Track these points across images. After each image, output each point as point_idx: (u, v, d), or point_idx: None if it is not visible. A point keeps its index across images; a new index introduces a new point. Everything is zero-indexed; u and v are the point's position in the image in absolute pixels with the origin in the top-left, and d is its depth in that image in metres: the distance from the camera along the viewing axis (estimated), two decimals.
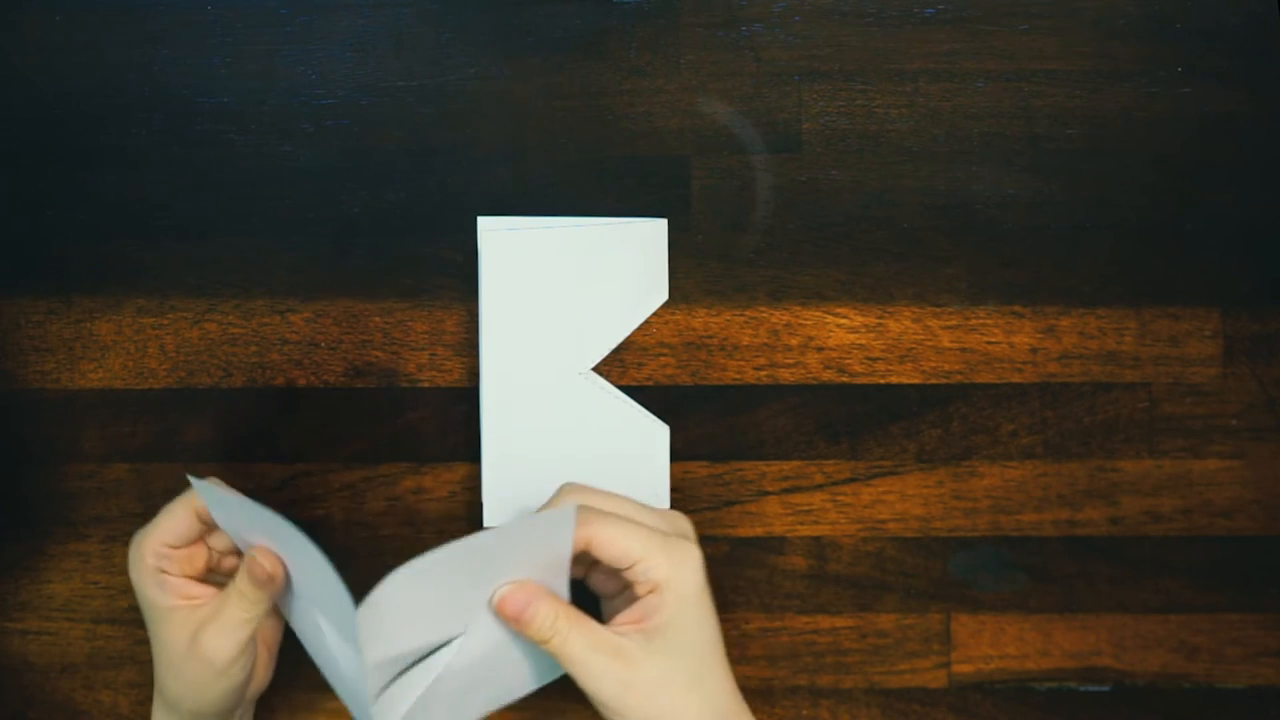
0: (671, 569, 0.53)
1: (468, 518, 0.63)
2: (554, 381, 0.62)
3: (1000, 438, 0.63)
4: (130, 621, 0.63)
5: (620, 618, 0.54)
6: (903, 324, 0.63)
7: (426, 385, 0.63)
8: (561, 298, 0.62)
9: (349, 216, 0.62)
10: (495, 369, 0.61)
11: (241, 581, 0.54)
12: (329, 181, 0.62)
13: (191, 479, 0.54)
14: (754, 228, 0.62)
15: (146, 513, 0.58)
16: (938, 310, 0.63)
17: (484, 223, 0.62)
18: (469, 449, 0.63)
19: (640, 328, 0.63)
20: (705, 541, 0.61)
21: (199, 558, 0.57)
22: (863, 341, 0.63)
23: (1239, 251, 0.63)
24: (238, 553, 0.58)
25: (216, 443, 0.63)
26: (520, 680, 0.57)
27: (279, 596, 0.55)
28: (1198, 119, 0.62)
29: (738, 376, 0.63)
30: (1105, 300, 0.63)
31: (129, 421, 0.63)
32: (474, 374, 0.63)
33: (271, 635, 0.59)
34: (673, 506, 0.62)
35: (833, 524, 0.63)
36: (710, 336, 0.63)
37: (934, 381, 0.63)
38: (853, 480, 0.63)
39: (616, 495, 0.55)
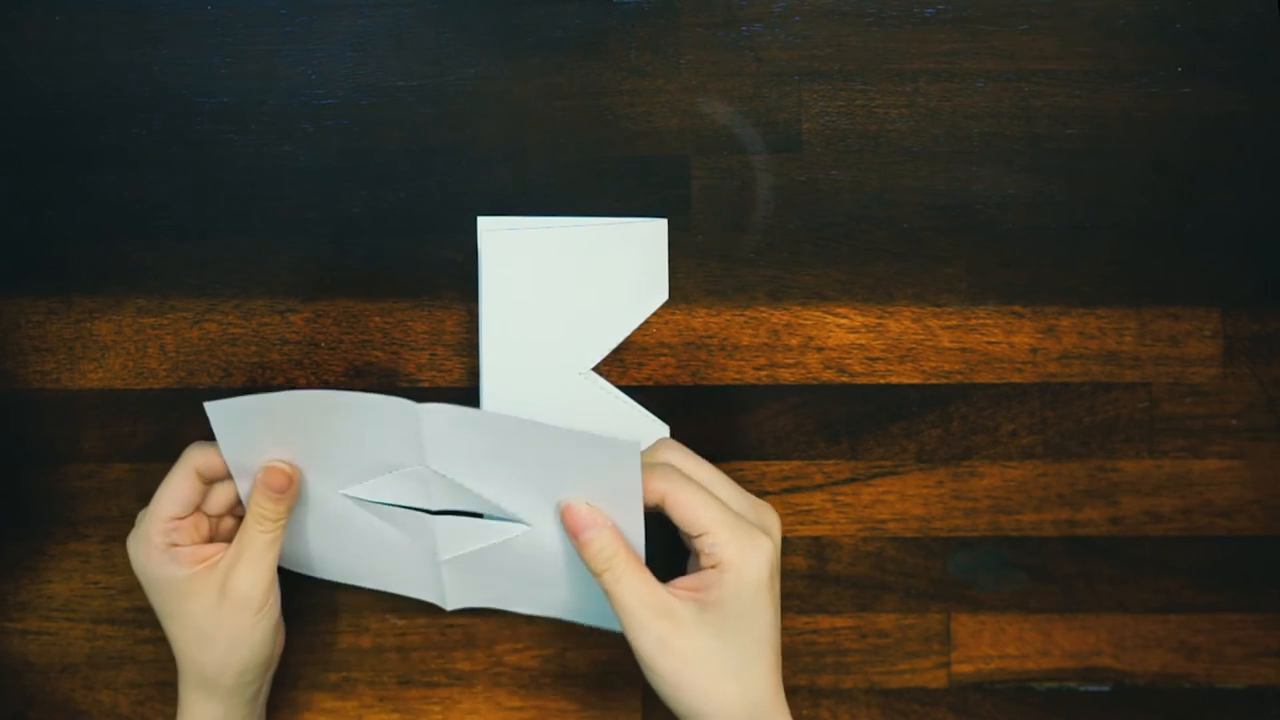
0: (737, 553, 0.53)
1: None
2: (554, 381, 0.62)
3: (1000, 438, 0.63)
4: (130, 621, 0.63)
5: (681, 580, 0.54)
6: (903, 324, 0.63)
7: (427, 385, 0.63)
8: (561, 298, 0.62)
9: (349, 216, 0.62)
10: (495, 369, 0.61)
11: (258, 502, 0.56)
12: (329, 181, 0.62)
13: (208, 405, 0.55)
14: (754, 228, 0.62)
15: None
16: (938, 310, 0.63)
17: (484, 223, 0.62)
18: None
19: (640, 328, 0.63)
20: None
21: (202, 525, 0.58)
22: (863, 341, 0.63)
23: (1239, 251, 0.63)
24: (233, 514, 0.59)
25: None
26: (576, 604, 0.59)
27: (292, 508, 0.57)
28: (1198, 119, 0.62)
29: (738, 376, 0.63)
30: (1105, 300, 0.63)
31: (129, 421, 0.63)
32: (474, 374, 0.63)
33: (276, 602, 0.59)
34: None
35: (833, 524, 0.63)
36: (710, 336, 0.63)
37: (934, 381, 0.63)
38: (853, 480, 0.63)
39: (710, 466, 0.56)
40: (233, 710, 0.58)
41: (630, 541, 0.54)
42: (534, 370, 0.61)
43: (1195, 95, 0.62)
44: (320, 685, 0.64)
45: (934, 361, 0.63)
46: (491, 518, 0.57)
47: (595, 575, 0.54)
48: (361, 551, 0.59)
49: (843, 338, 0.63)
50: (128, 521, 0.60)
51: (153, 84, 0.62)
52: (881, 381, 0.63)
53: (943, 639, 0.64)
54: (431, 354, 0.63)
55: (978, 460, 0.63)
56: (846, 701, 0.64)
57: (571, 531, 0.54)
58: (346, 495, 0.57)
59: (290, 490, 0.56)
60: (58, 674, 0.64)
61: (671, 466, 0.54)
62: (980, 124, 0.62)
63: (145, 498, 0.58)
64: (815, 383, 0.63)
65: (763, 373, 0.63)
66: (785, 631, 0.63)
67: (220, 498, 0.58)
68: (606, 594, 0.54)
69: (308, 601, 0.63)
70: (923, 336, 0.63)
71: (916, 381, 0.63)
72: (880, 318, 0.63)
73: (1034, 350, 0.63)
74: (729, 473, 0.56)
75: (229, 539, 0.59)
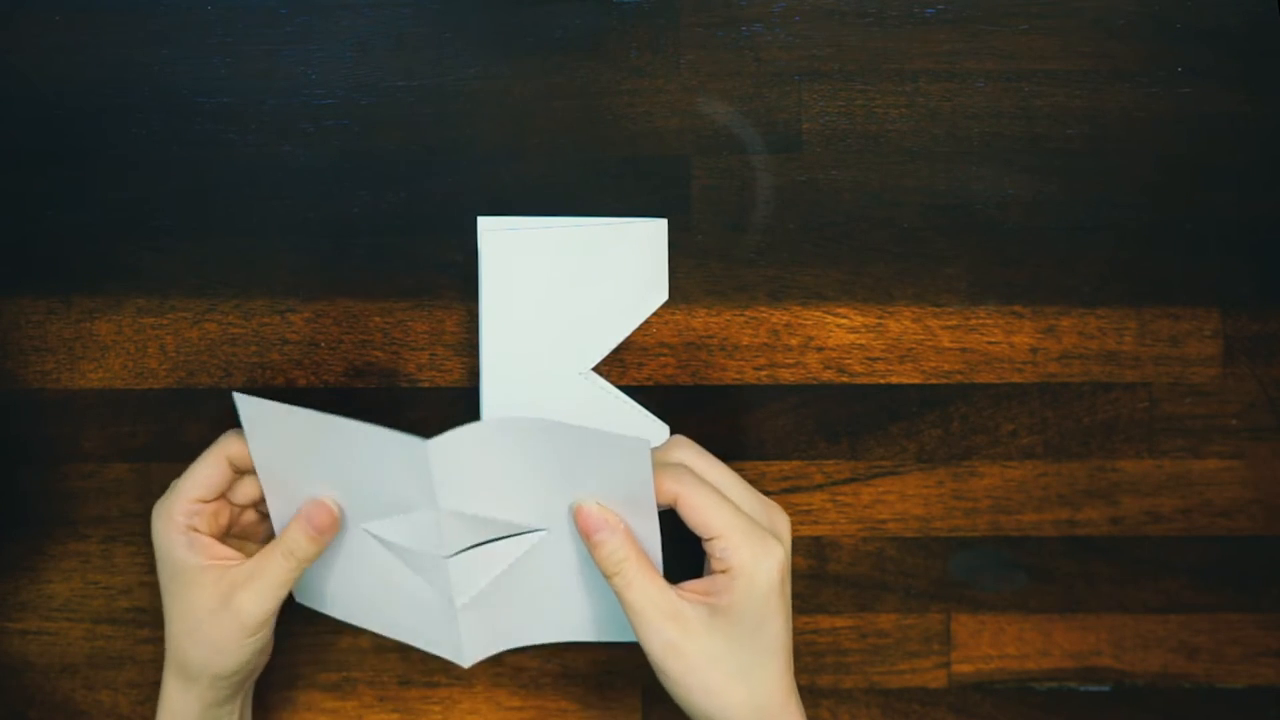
0: (749, 558, 0.53)
1: None
2: (554, 381, 0.62)
3: (1000, 438, 0.63)
4: (130, 621, 0.63)
5: (692, 583, 0.54)
6: (903, 324, 0.63)
7: (426, 385, 0.63)
8: (561, 298, 0.62)
9: (349, 216, 0.62)
10: (495, 369, 0.61)
11: (294, 537, 0.55)
12: (329, 181, 0.62)
13: (236, 395, 0.54)
14: (754, 228, 0.62)
15: (146, 513, 0.58)
16: (938, 310, 0.63)
17: (484, 223, 0.62)
18: None
19: (640, 328, 0.63)
20: None
21: (224, 514, 0.57)
22: (863, 341, 0.63)
23: (1239, 251, 0.63)
24: (257, 509, 0.58)
25: None
26: (594, 617, 0.58)
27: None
28: (1198, 119, 0.62)
29: (738, 376, 0.63)
30: (1105, 300, 0.63)
31: (129, 421, 0.63)
32: (474, 374, 0.63)
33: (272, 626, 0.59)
34: None
35: (833, 524, 0.63)
36: (710, 336, 0.63)
37: (934, 381, 0.63)
38: (853, 480, 0.63)
39: (724, 466, 0.56)
40: (209, 707, 0.57)
41: (644, 543, 0.54)
42: (534, 370, 0.61)
43: (1195, 95, 0.62)
44: (320, 685, 0.64)
45: (934, 361, 0.63)
46: (506, 537, 0.56)
47: (606, 577, 0.54)
48: (377, 594, 0.58)
49: (843, 338, 0.63)
50: (128, 521, 0.60)
51: (153, 84, 0.62)
52: (881, 381, 0.63)
53: (943, 639, 0.64)
54: (431, 354, 0.63)
55: (978, 460, 0.63)
56: (846, 701, 0.64)
57: (584, 532, 0.54)
58: (368, 531, 0.56)
59: (331, 533, 0.56)
60: (58, 674, 0.64)
61: (685, 467, 0.54)
62: (980, 124, 0.62)
63: (145, 498, 0.58)
64: (815, 383, 0.63)
65: (763, 373, 0.63)
66: None
67: (247, 489, 0.58)
68: (617, 596, 0.54)
69: None
70: (923, 336, 0.63)
71: (916, 381, 0.63)
72: (880, 318, 0.63)
73: (1034, 350, 0.63)
74: None
75: (244, 535, 0.59)
